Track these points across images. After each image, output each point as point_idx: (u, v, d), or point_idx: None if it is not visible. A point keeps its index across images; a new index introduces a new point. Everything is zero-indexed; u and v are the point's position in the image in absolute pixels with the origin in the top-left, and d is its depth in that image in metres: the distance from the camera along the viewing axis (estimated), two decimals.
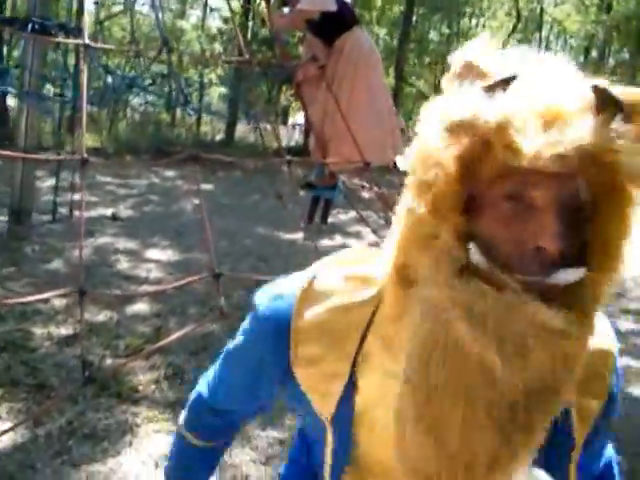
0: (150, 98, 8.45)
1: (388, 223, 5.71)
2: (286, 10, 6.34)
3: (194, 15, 26.87)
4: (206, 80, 20.89)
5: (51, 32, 6.86)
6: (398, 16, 24.18)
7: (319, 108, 6.33)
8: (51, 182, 8.22)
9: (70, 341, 4.40)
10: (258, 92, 18.61)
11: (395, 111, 6.66)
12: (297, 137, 21.70)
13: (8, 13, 7.64)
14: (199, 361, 4.31)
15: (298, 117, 26.13)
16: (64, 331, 4.57)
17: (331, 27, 6.09)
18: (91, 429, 3.34)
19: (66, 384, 3.78)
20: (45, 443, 3.19)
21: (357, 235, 9.35)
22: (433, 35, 26.49)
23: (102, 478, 2.97)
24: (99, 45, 6.28)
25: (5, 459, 3.02)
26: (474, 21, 31.72)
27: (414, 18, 24.00)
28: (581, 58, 37.08)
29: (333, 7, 5.97)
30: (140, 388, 3.85)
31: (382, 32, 26.27)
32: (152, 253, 7.14)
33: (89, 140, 15.55)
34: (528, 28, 38.04)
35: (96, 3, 9.04)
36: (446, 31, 25.79)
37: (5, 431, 3.13)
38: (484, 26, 33.13)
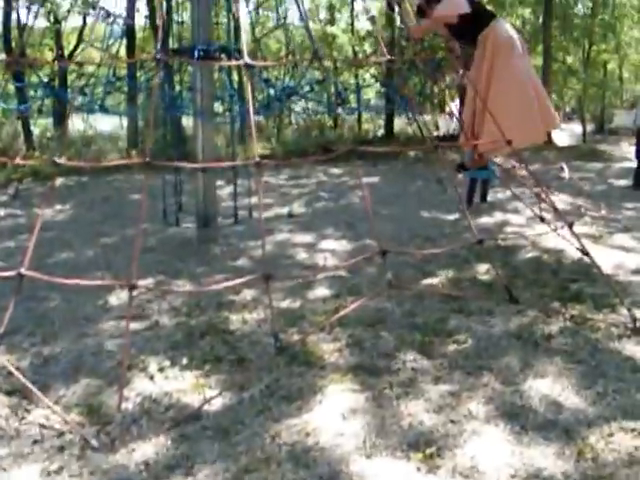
0: (310, 104, 9.03)
1: (539, 198, 5.93)
2: (424, 21, 6.67)
3: (342, 20, 27.56)
4: (361, 80, 21.47)
5: (214, 56, 7.59)
6: None
7: (467, 97, 6.65)
8: (230, 189, 9.03)
9: (262, 323, 5.01)
10: (410, 85, 18.89)
11: (545, 94, 6.77)
12: (455, 125, 21.81)
13: (175, 43, 8.41)
14: (375, 332, 4.76)
15: (454, 106, 26.10)
16: (256, 315, 5.19)
17: (470, 27, 6.38)
18: (286, 391, 3.87)
19: (262, 356, 4.36)
20: (250, 404, 3.75)
21: (515, 211, 9.46)
22: (577, 9, 25.41)
23: (299, 429, 3.46)
24: (258, 63, 6.88)
25: (219, 417, 3.60)
26: None
27: None
28: None
29: (467, 9, 6.27)
30: (325, 356, 4.35)
31: (526, 12, 25.63)
32: (326, 244, 7.72)
33: (259, 148, 16.65)
34: None
35: (252, 23, 9.74)
36: (589, 3, 24.67)
37: (215, 396, 3.79)
38: None
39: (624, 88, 35.33)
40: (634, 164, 12.28)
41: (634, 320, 4.76)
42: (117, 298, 5.63)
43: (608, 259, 6.51)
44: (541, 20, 23.67)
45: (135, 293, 4.06)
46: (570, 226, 5.38)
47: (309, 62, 7.11)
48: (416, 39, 7.09)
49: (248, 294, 5.64)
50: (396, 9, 20.74)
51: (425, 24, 6.43)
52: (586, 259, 5.46)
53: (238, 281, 4.53)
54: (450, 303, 5.33)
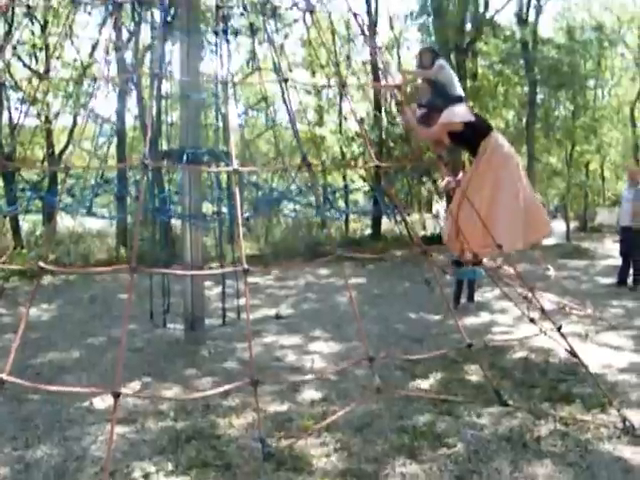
0: (298, 206, 9.21)
1: (526, 299, 5.99)
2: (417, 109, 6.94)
3: (331, 121, 28.32)
4: (349, 181, 21.93)
5: (203, 160, 7.75)
6: (523, 97, 24.60)
7: (456, 200, 6.86)
8: (218, 290, 9.04)
9: (249, 428, 4.93)
10: (398, 186, 19.31)
11: (538, 203, 7.04)
12: (442, 225, 22.20)
13: (165, 144, 8.62)
14: (364, 436, 4.70)
15: (440, 206, 26.75)
16: (243, 420, 5.11)
17: (471, 135, 6.71)
18: None
19: (249, 462, 4.29)
20: None
21: (502, 311, 9.52)
22: (559, 112, 26.58)
23: None
24: (247, 168, 7.04)
25: None
26: (599, 92, 31.62)
27: (538, 97, 24.19)
28: None
29: (472, 117, 6.69)
30: (313, 461, 4.28)
31: (510, 115, 26.62)
32: (314, 346, 7.68)
33: (248, 248, 16.80)
34: None
35: (240, 125, 10.00)
36: (571, 106, 25.81)
37: None
38: (609, 95, 32.85)
39: (606, 187, 36.33)
40: (618, 261, 12.46)
41: (624, 420, 4.73)
42: (102, 400, 5.54)
43: (596, 358, 6.52)
44: (524, 122, 24.57)
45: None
46: (559, 329, 5.43)
47: (298, 168, 7.27)
48: (437, 149, 7.33)
49: (235, 397, 5.57)
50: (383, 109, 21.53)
51: (434, 129, 6.70)
52: (574, 358, 5.48)
53: (226, 387, 4.49)
54: (439, 406, 5.29)
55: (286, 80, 5.81)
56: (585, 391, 5.55)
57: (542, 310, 5.79)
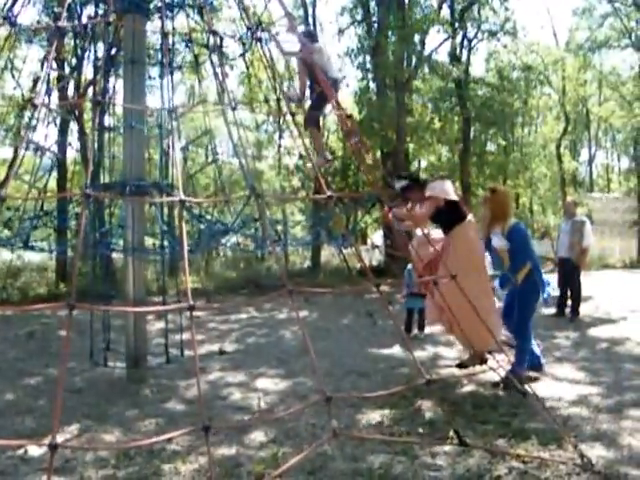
0: (241, 239, 9.05)
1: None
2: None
3: (269, 156, 28.41)
4: (289, 214, 21.93)
5: (146, 192, 7.54)
6: (457, 134, 25.20)
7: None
8: (160, 325, 8.77)
9: (196, 474, 4.68)
10: (337, 218, 19.38)
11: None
12: (378, 256, 22.50)
13: (107, 177, 8.39)
14: (317, 479, 4.51)
15: (376, 237, 27.00)
16: (190, 465, 4.85)
17: (450, 215, 6.94)
18: None
19: None
20: None
21: (447, 344, 9.44)
22: (490, 147, 27.48)
23: None
24: (193, 200, 6.85)
25: None
26: (526, 129, 33.08)
27: (472, 134, 24.85)
28: (631, 150, 38.88)
29: (454, 197, 6.96)
30: None
31: (444, 150, 27.25)
32: (260, 382, 7.46)
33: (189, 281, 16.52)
34: (577, 129, 40.55)
35: (184, 159, 9.85)
36: (502, 142, 26.71)
37: None
38: (536, 132, 34.36)
39: (534, 219, 37.72)
40: (556, 292, 12.60)
41: (581, 457, 4.65)
42: (38, 447, 5.20)
43: (546, 391, 6.49)
44: (457, 158, 25.17)
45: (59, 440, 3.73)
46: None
47: (246, 200, 7.11)
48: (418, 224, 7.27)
49: (181, 440, 5.30)
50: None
51: (425, 208, 6.81)
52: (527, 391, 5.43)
53: (175, 434, 4.23)
54: (393, 445, 5.13)
55: (234, 108, 5.65)
56: (539, 426, 5.46)
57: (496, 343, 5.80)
